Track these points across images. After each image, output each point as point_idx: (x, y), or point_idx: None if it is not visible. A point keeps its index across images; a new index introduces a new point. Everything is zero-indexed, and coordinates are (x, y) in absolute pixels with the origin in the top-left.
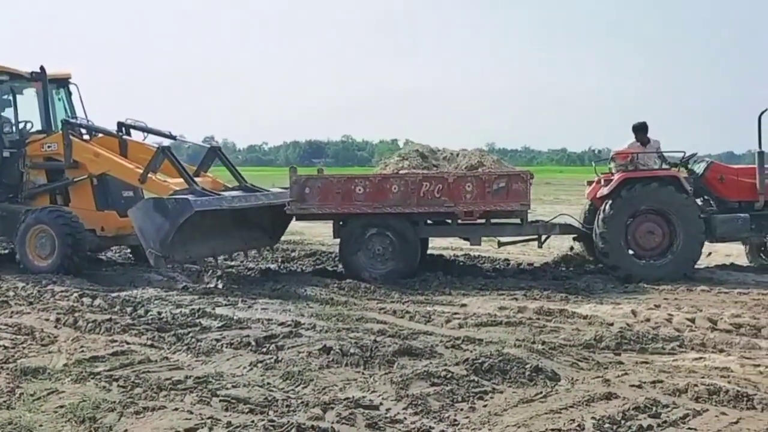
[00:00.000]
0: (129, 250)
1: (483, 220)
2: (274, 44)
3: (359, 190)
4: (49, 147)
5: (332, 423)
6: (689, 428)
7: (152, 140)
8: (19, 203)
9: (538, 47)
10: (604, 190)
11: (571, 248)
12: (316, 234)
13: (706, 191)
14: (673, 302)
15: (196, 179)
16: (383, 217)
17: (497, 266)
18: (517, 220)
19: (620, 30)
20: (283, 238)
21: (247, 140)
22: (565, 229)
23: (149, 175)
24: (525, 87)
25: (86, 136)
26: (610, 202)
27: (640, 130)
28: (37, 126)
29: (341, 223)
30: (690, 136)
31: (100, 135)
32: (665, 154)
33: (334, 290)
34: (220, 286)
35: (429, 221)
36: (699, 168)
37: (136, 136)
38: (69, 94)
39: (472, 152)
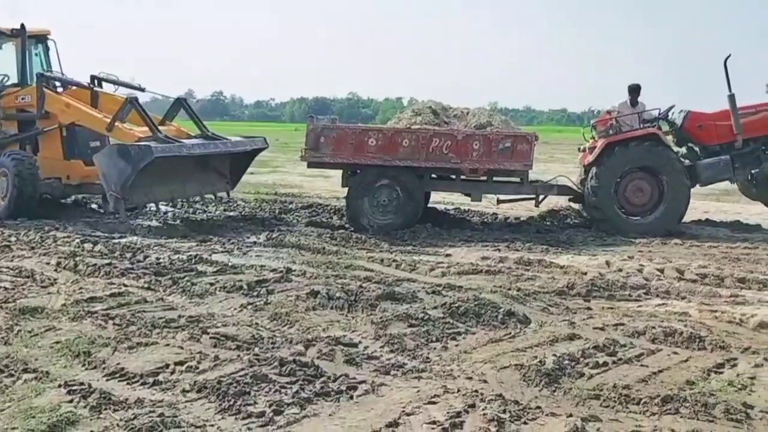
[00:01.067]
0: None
1: (485, 178)
2: (283, 1)
3: (371, 142)
4: (22, 99)
5: (313, 358)
6: (642, 365)
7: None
8: None
9: (539, 4)
10: (590, 158)
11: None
12: (314, 188)
13: (688, 140)
14: (647, 254)
15: (161, 128)
16: (392, 169)
17: (485, 220)
18: (518, 179)
19: None
20: (282, 191)
21: (255, 95)
22: (563, 190)
23: (116, 123)
24: (526, 47)
25: (60, 89)
26: (595, 169)
27: (634, 91)
28: (14, 80)
29: (350, 173)
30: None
31: (74, 87)
32: (644, 113)
33: (326, 240)
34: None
35: (434, 176)
36: (678, 119)
37: (109, 89)
38: (47, 49)
39: (482, 111)
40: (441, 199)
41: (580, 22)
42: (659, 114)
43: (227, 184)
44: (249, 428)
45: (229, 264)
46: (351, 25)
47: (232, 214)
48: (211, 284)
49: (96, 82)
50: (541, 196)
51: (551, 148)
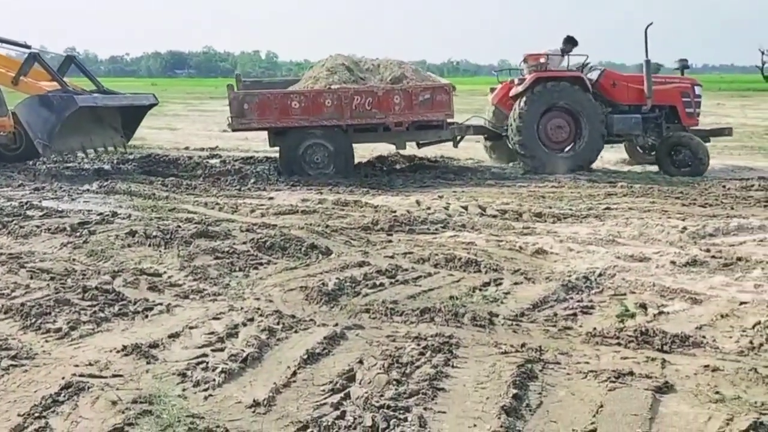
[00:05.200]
0: None
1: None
2: None
3: (295, 104)
4: None
5: (118, 287)
6: (416, 285)
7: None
8: None
9: None
10: (519, 88)
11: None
12: (158, 140)
13: (600, 96)
14: (460, 194)
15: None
16: (320, 129)
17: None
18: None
19: None
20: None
21: (108, 51)
22: (478, 130)
23: (21, 77)
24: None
25: None
26: (524, 98)
27: (569, 42)
28: None
29: (275, 133)
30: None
31: None
32: (571, 59)
33: (157, 187)
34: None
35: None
36: (593, 75)
37: None
38: None
39: (393, 63)
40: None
41: None
42: (581, 65)
43: (122, 138)
44: (47, 341)
45: (58, 209)
46: None
47: (69, 164)
48: (38, 227)
49: None
50: (459, 138)
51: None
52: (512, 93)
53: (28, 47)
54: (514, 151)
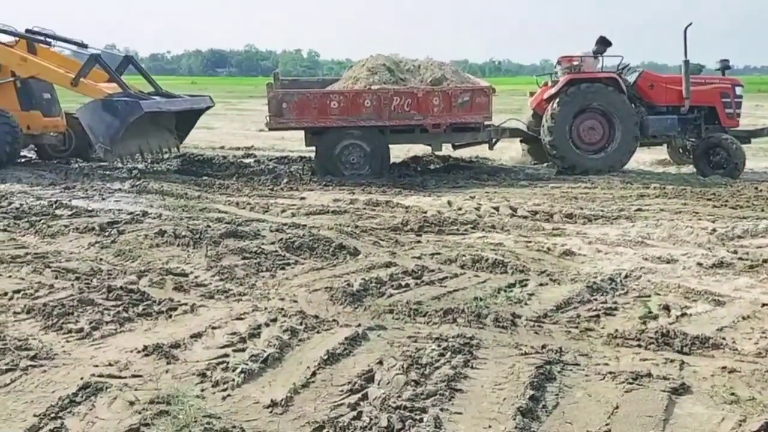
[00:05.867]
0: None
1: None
2: None
3: (334, 104)
4: None
5: (143, 287)
6: (442, 286)
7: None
8: None
9: None
10: (552, 90)
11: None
12: (194, 139)
13: (638, 97)
14: (492, 195)
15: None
16: (356, 128)
17: None
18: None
19: None
20: None
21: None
22: (514, 133)
23: (81, 79)
24: None
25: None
26: (557, 100)
27: (603, 42)
28: None
29: (312, 133)
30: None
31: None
32: (606, 60)
33: (190, 186)
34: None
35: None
36: (632, 77)
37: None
38: None
39: (434, 64)
40: None
41: None
42: (618, 66)
43: (176, 140)
44: (68, 341)
45: (87, 208)
46: None
47: (104, 164)
48: (66, 226)
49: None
50: (495, 140)
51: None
52: (546, 95)
53: (85, 46)
54: (546, 151)
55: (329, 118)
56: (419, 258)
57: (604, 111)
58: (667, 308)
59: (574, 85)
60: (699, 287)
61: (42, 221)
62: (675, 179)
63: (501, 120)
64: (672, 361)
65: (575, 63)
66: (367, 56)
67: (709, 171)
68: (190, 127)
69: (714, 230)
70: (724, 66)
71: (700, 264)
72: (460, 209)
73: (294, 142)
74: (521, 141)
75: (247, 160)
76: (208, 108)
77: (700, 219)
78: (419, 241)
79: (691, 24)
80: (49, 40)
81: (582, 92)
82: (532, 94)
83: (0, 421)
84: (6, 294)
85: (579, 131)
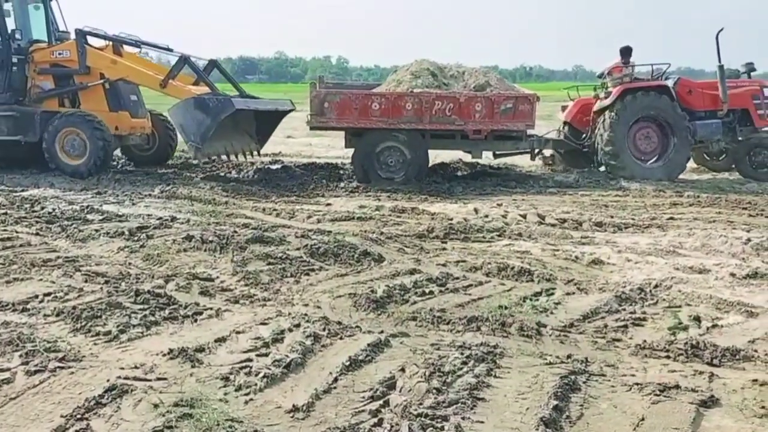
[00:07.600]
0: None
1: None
2: None
3: (375, 106)
4: (60, 54)
5: (170, 291)
6: (466, 294)
7: None
8: (27, 106)
9: None
10: (606, 102)
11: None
12: None
13: (678, 104)
14: (520, 202)
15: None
16: (396, 131)
17: None
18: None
19: None
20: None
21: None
22: (557, 144)
23: (170, 81)
24: None
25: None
26: (614, 110)
27: (626, 53)
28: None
29: (351, 134)
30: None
31: (108, 43)
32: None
33: (217, 192)
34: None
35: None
36: (669, 83)
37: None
38: (51, 9)
39: (478, 70)
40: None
41: None
42: (659, 73)
43: (256, 144)
44: (95, 344)
45: (118, 213)
46: None
47: (131, 169)
48: (96, 231)
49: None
50: (537, 150)
51: None
52: (597, 107)
53: (171, 50)
54: (604, 162)
55: (370, 119)
56: (444, 265)
57: (657, 119)
58: (697, 319)
59: (629, 94)
60: (731, 298)
61: (73, 225)
62: (709, 187)
63: (538, 127)
64: (701, 373)
65: (626, 72)
66: (411, 61)
67: (752, 172)
68: (270, 131)
69: (749, 240)
70: (750, 69)
71: (733, 274)
72: (486, 216)
73: (320, 149)
74: (556, 151)
75: (274, 167)
76: (290, 111)
77: (734, 228)
78: (444, 249)
79: (722, 29)
80: (138, 43)
81: (638, 101)
82: (564, 108)
83: (28, 421)
84: (37, 297)
85: (635, 140)
